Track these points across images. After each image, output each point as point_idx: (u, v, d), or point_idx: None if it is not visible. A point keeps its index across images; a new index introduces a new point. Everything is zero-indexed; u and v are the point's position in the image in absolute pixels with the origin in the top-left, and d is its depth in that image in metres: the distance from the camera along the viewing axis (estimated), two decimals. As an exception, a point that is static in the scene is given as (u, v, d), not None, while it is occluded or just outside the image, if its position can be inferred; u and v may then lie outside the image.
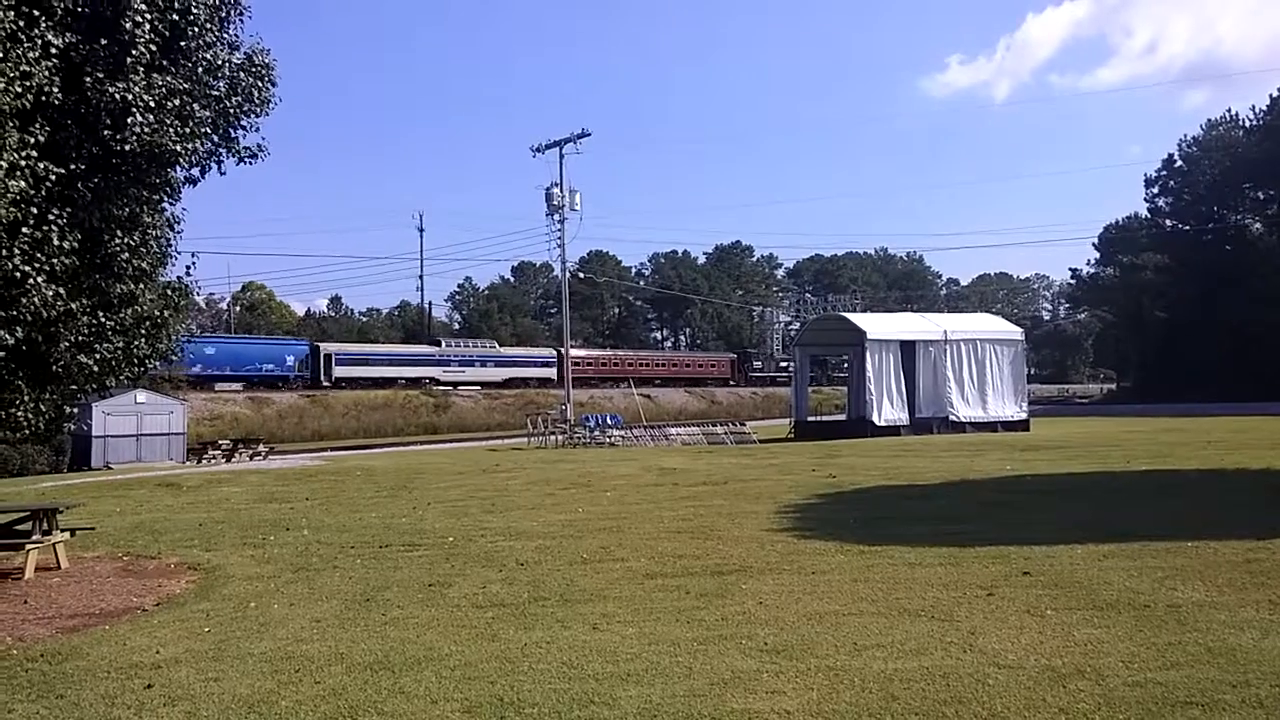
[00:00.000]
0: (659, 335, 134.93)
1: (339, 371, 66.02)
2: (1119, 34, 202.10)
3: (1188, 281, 72.18)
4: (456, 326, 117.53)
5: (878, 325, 37.68)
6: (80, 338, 9.60)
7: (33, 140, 8.30)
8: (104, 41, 8.89)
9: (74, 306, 9.20)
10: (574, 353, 77.77)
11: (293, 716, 5.40)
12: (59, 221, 8.74)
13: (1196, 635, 6.34)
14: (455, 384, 69.50)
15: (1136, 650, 6.05)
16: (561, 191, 45.54)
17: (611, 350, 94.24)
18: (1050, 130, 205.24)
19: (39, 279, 8.52)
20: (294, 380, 64.00)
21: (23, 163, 8.07)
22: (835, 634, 6.70)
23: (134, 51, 8.95)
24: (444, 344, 75.79)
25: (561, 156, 45.31)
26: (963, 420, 35.63)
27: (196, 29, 9.84)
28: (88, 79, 8.82)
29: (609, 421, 40.32)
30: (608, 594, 8.33)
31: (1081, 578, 8.24)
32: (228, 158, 10.84)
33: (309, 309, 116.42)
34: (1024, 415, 37.38)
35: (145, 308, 10.33)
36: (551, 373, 75.95)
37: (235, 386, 59.77)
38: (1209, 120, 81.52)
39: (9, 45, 7.96)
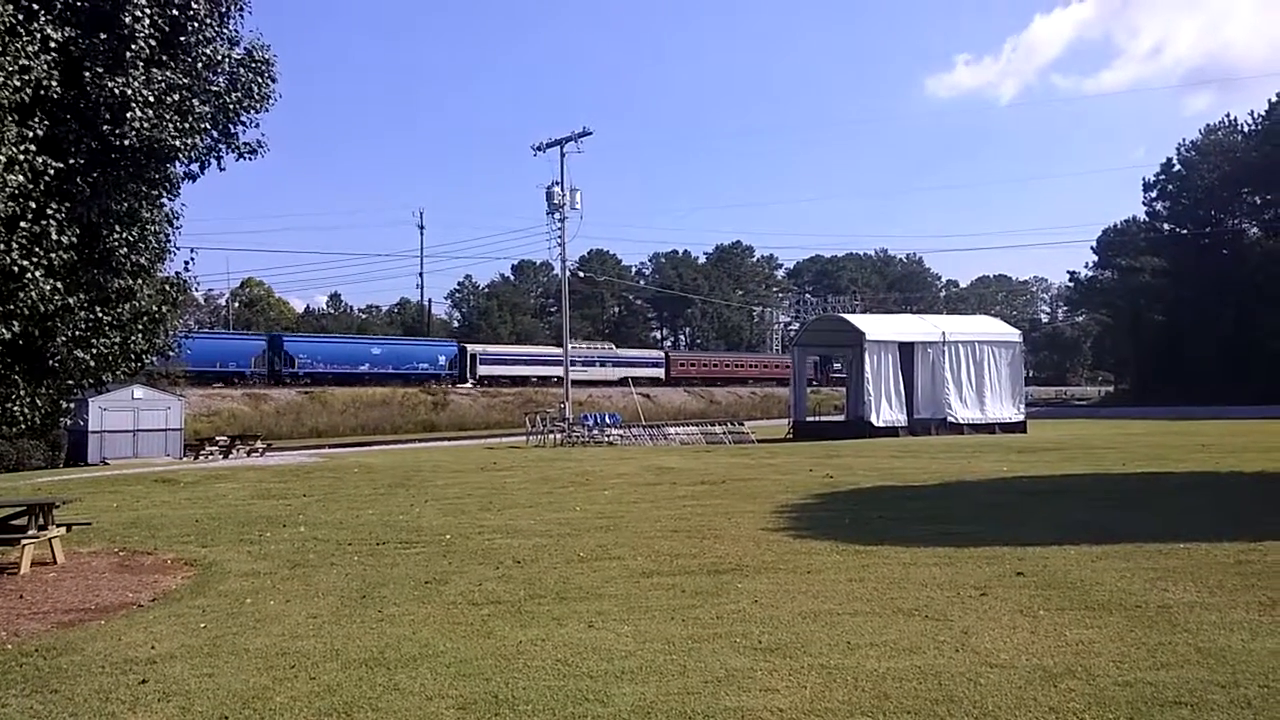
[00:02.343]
0: (659, 335, 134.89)
1: (482, 370, 71.74)
2: (1125, 35, 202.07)
3: (1185, 285, 72.27)
4: (456, 324, 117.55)
5: (877, 326, 37.73)
6: (77, 332, 9.60)
7: (31, 134, 8.30)
8: (103, 36, 8.88)
9: (71, 301, 9.20)
10: (676, 354, 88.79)
11: (287, 712, 5.42)
12: (57, 216, 8.73)
13: (1187, 636, 6.37)
14: (581, 381, 74.03)
15: (1127, 650, 6.08)
16: (562, 190, 45.46)
17: (709, 353, 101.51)
18: (1055, 132, 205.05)
19: (37, 273, 8.52)
20: (444, 378, 68.83)
21: (21, 157, 8.07)
22: (829, 633, 6.73)
23: (133, 46, 8.95)
24: (570, 346, 79.26)
25: (562, 155, 45.23)
26: (960, 422, 35.69)
27: (196, 24, 9.82)
28: (87, 73, 8.81)
29: (607, 420, 40.35)
30: (604, 592, 8.35)
31: (1074, 578, 8.27)
32: (227, 153, 10.83)
33: (308, 305, 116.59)
34: (1021, 417, 37.45)
35: (143, 303, 10.33)
36: (660, 372, 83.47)
37: (399, 382, 65.54)
38: (1208, 125, 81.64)
39: (8, 39, 7.96)
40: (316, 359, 64.43)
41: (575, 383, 72.12)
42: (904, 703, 5.25)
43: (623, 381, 76.55)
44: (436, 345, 74.82)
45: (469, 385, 69.45)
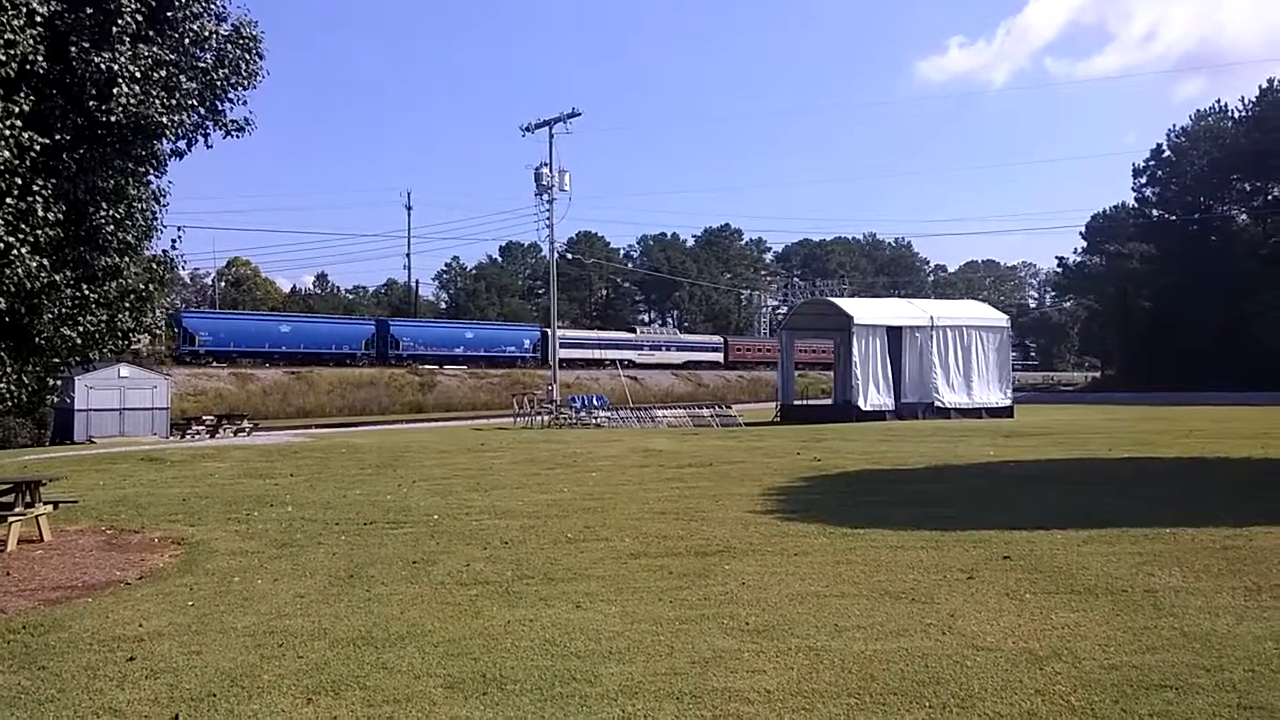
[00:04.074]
0: (646, 317, 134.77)
1: (562, 354, 74.66)
2: (1119, 20, 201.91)
3: (1173, 271, 72.57)
4: (443, 306, 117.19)
5: (865, 310, 37.77)
6: (63, 310, 9.55)
7: (17, 110, 8.23)
8: (90, 10, 8.80)
9: (58, 278, 9.15)
10: (734, 340, 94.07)
11: (275, 690, 5.41)
12: (43, 192, 8.67)
13: (1172, 620, 6.41)
14: (648, 365, 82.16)
15: (1113, 634, 6.12)
16: (551, 171, 45.31)
17: (764, 339, 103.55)
18: (1047, 117, 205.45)
19: (22, 250, 8.46)
20: (528, 360, 74.95)
21: (7, 132, 8.01)
22: (816, 615, 6.75)
23: (120, 21, 8.86)
24: (638, 331, 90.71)
25: (551, 136, 45.10)
26: (948, 406, 35.81)
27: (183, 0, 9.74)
28: (73, 48, 8.73)
29: (595, 403, 40.35)
30: (591, 573, 8.36)
31: (1061, 563, 8.31)
32: (214, 131, 10.76)
33: (294, 285, 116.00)
34: (1008, 402, 37.58)
35: (129, 281, 10.28)
36: (719, 357, 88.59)
37: (487, 364, 71.87)
38: (1197, 111, 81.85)
39: (-7, 13, 7.88)
40: (419, 342, 69.48)
41: (643, 365, 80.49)
42: (890, 684, 5.28)
43: (686, 365, 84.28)
44: (522, 330, 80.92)
45: (551, 365, 72.91)
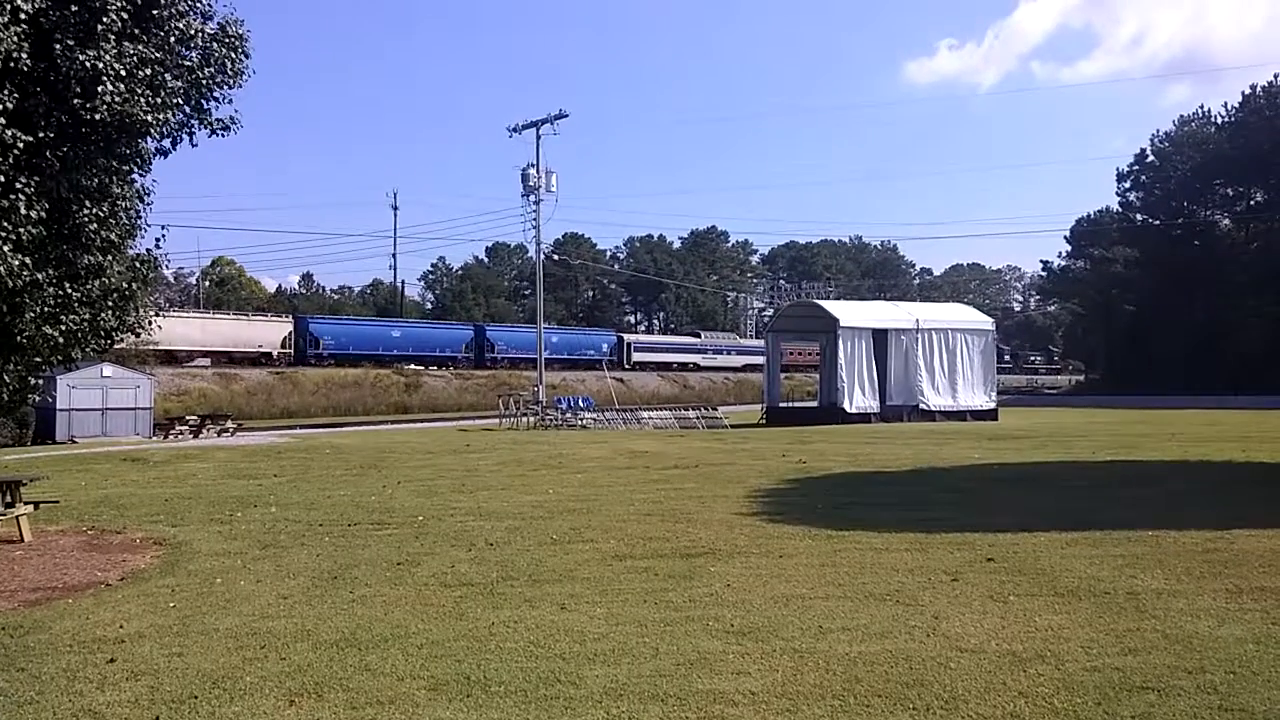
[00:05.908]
0: (633, 319, 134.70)
1: (637, 357, 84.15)
2: (1108, 24, 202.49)
3: (1156, 276, 73.04)
4: (429, 306, 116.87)
5: (850, 313, 37.86)
6: (46, 309, 9.47)
7: (0, 107, 8.16)
8: (74, 8, 8.74)
9: (40, 277, 9.07)
10: (786, 344, 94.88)
11: (257, 692, 5.39)
12: (26, 190, 8.60)
13: (1155, 622, 6.45)
14: (712, 367, 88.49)
15: (1096, 636, 6.15)
16: (537, 172, 45.20)
17: (811, 343, 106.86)
18: (1034, 121, 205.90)
19: (5, 248, 8.39)
20: (605, 363, 77.29)
21: (-11, 130, 7.94)
22: (801, 617, 6.76)
23: (105, 19, 8.81)
24: (703, 336, 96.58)
25: (538, 137, 44.94)
26: (932, 409, 35.93)
27: (169, -3, 9.69)
28: (57, 46, 8.67)
29: (581, 404, 40.31)
30: (576, 575, 8.35)
31: (1044, 565, 8.35)
32: (200, 129, 10.69)
33: (280, 285, 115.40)
34: (993, 405, 37.73)
35: (113, 280, 10.20)
36: None
37: (569, 366, 76.14)
38: (1181, 116, 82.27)
39: (-24, 9, 7.82)
40: (511, 346, 75.45)
41: (707, 367, 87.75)
42: (874, 686, 5.29)
43: (745, 368, 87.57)
44: (599, 335, 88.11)
45: (627, 368, 79.96)
